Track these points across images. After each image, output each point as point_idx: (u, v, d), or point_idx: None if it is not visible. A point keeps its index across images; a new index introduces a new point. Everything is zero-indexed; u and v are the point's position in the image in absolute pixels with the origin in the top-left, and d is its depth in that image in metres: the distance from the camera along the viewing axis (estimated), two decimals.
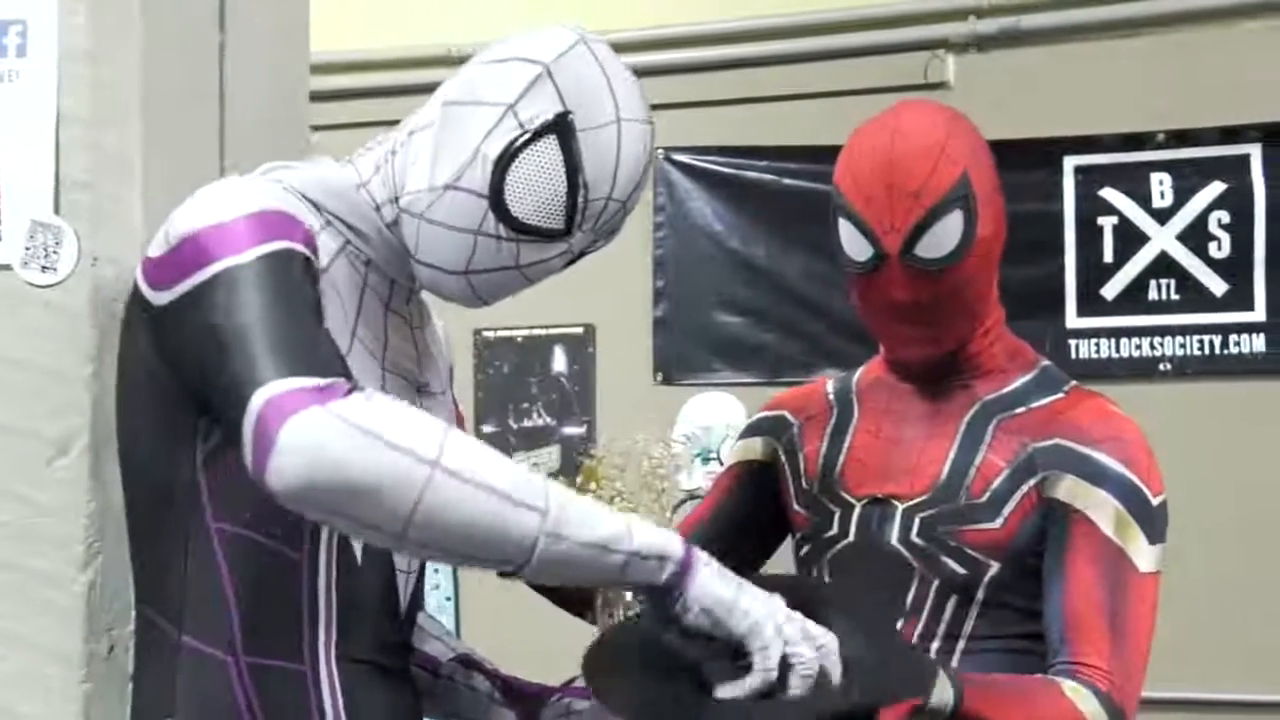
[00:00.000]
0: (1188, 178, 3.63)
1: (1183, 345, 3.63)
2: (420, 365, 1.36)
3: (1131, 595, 1.48)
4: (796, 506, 1.65)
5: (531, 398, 4.19)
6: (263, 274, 1.14)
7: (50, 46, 1.31)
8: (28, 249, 1.31)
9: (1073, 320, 3.71)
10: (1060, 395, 1.56)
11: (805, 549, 1.63)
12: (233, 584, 1.22)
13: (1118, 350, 3.69)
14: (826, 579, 1.59)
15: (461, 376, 4.28)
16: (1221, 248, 3.60)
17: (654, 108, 4.51)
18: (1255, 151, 3.57)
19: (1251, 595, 3.46)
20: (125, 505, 1.27)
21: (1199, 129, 3.62)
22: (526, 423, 4.18)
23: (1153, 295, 3.66)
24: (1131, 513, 1.49)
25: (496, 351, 4.21)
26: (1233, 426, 3.55)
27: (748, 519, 1.71)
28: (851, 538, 1.57)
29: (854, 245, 1.52)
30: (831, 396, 1.68)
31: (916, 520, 1.53)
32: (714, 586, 1.14)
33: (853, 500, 1.58)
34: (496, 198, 1.25)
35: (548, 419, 4.16)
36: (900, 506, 1.55)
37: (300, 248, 1.18)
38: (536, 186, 1.25)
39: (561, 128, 1.25)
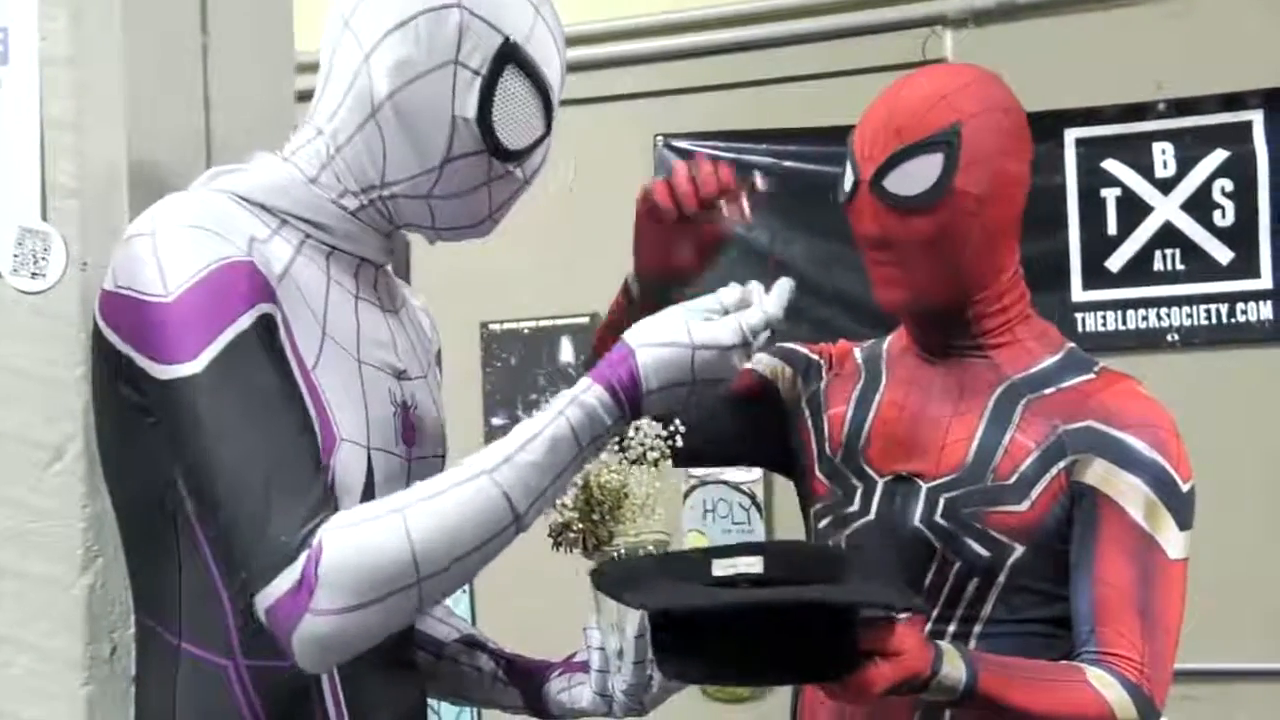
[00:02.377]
0: (1189, 147, 3.61)
1: (1190, 315, 3.62)
2: (397, 350, 1.37)
3: (1161, 583, 1.47)
4: (818, 473, 1.63)
5: (540, 389, 4.19)
6: (220, 387, 1.14)
7: (32, 53, 1.32)
8: (16, 256, 1.32)
9: (1078, 294, 3.70)
10: (1090, 376, 1.55)
11: (824, 522, 1.61)
12: (229, 593, 1.21)
13: (1124, 322, 3.67)
14: None
15: (468, 369, 4.31)
16: (1226, 216, 3.58)
17: (652, 94, 4.51)
18: (1257, 118, 3.55)
19: (1266, 564, 3.45)
20: (115, 511, 1.28)
21: (1199, 97, 3.59)
22: (535, 414, 4.18)
23: (1158, 266, 3.64)
24: (1162, 499, 1.48)
25: (503, 343, 4.21)
26: (1243, 395, 3.53)
27: (743, 424, 1.68)
28: (872, 515, 1.56)
29: (845, 176, 1.56)
30: (860, 360, 1.67)
31: (941, 500, 1.51)
32: (655, 378, 1.21)
33: (876, 476, 1.57)
34: (495, 145, 1.28)
35: None
36: (924, 486, 1.53)
37: (249, 313, 1.17)
38: (519, 114, 1.30)
39: (510, 53, 1.28)
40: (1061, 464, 1.49)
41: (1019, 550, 1.49)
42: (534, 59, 1.30)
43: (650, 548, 1.59)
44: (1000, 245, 1.54)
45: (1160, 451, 1.49)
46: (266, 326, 1.18)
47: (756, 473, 3.94)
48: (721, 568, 1.33)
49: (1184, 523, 1.50)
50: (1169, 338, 3.64)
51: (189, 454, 1.15)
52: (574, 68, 4.52)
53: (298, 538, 1.11)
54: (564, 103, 4.45)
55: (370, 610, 1.12)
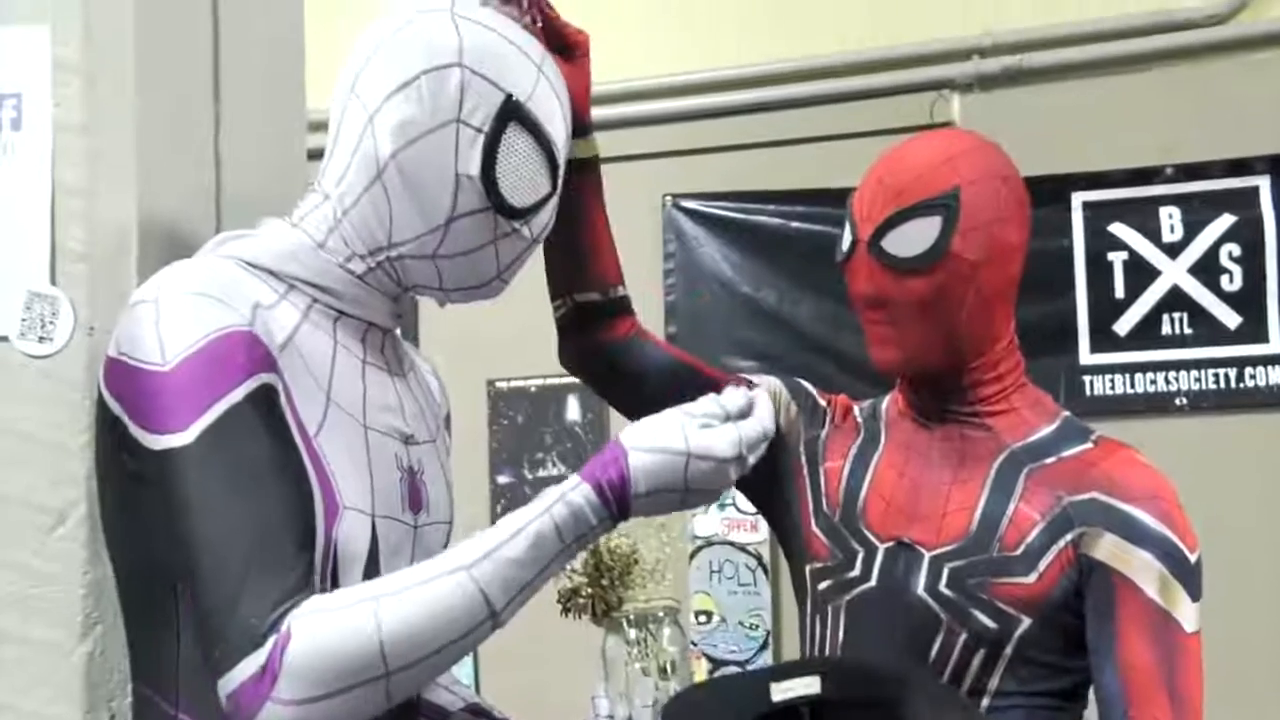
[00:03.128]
0: (1197, 211, 3.62)
1: (1198, 379, 3.61)
2: (404, 415, 1.36)
3: (1182, 658, 1.45)
4: (815, 529, 1.62)
5: (546, 448, 4.18)
6: (207, 460, 1.13)
7: (45, 119, 1.32)
8: (24, 320, 1.32)
9: (1086, 357, 3.70)
10: (1089, 445, 1.53)
11: (823, 585, 1.59)
12: None
13: (1132, 386, 3.66)
14: (842, 620, 1.56)
15: (475, 427, 4.31)
16: (1233, 280, 3.58)
17: (661, 155, 4.54)
18: (1264, 183, 3.56)
19: (1265, 629, 3.42)
20: (115, 578, 1.27)
21: (1207, 162, 3.61)
22: (541, 473, 4.18)
23: (1166, 330, 3.64)
24: (1174, 574, 1.46)
25: (510, 402, 4.21)
26: (1251, 459, 3.52)
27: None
28: (874, 582, 1.54)
29: (843, 236, 1.56)
30: (859, 418, 1.66)
31: (945, 570, 1.50)
32: (645, 483, 1.20)
33: (876, 542, 1.55)
34: (500, 203, 1.28)
35: (563, 469, 4.15)
36: (927, 554, 1.52)
37: (245, 385, 1.16)
38: (524, 171, 1.29)
39: (512, 110, 1.28)
40: (1069, 536, 1.48)
41: (1026, 622, 1.47)
42: (537, 116, 1.30)
43: (660, 613, 1.59)
44: (996, 312, 1.53)
45: (1167, 524, 1.48)
46: (264, 397, 1.17)
47: (763, 534, 3.92)
48: (779, 692, 1.31)
49: (1195, 595, 1.48)
50: (1177, 401, 3.63)
51: (175, 525, 1.14)
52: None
53: (267, 622, 1.09)
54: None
55: (334, 701, 1.09)
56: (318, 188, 1.33)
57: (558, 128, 1.33)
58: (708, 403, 1.27)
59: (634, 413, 1.63)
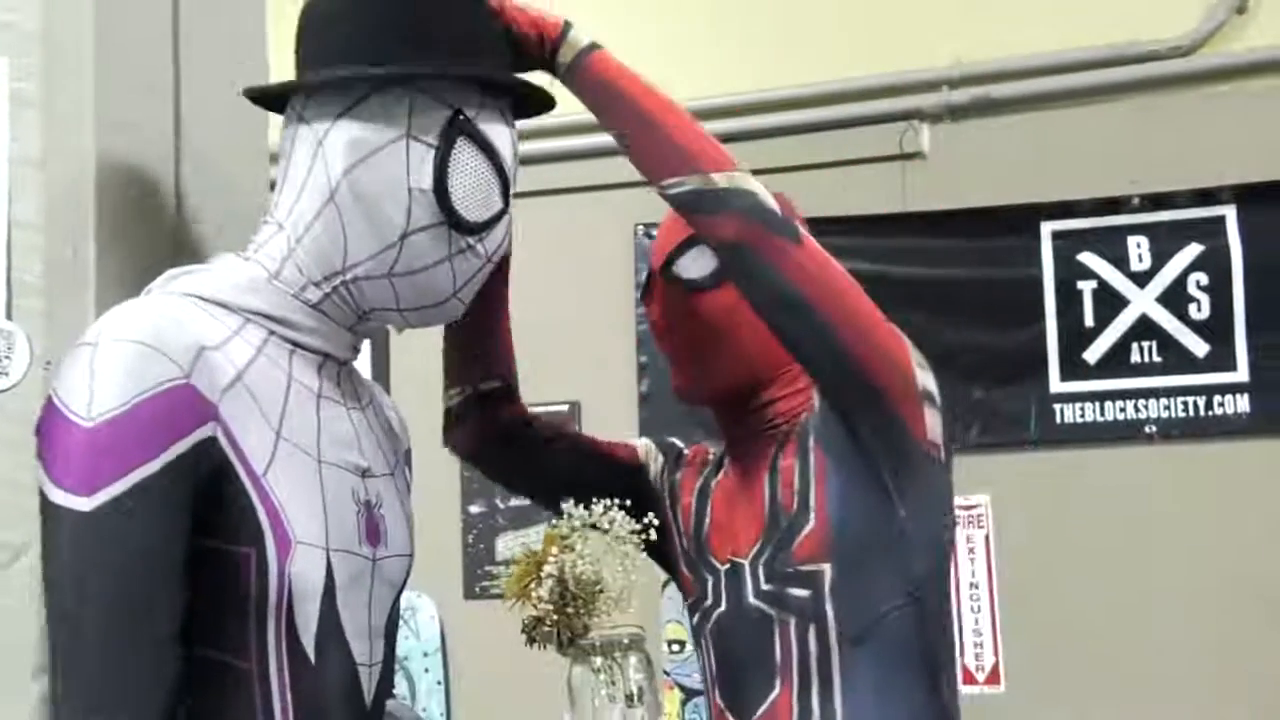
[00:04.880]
0: (1164, 240, 3.65)
1: (1167, 407, 3.63)
2: (361, 448, 1.35)
3: None
4: (683, 568, 1.66)
5: None
6: (96, 538, 1.12)
7: (1, 153, 1.31)
8: None
9: (1056, 385, 3.71)
10: None
11: (695, 617, 1.64)
12: (182, 704, 1.18)
13: (1102, 414, 3.68)
14: (712, 647, 1.59)
15: (447, 457, 4.24)
16: (1201, 309, 3.61)
17: (633, 185, 4.53)
18: (1230, 213, 3.60)
19: (1244, 654, 3.43)
20: None
21: (1173, 192, 3.64)
22: (514, 501, 4.16)
23: (1135, 358, 3.66)
24: None
25: None
26: (1219, 487, 3.53)
27: (600, 481, 1.66)
28: (724, 605, 1.58)
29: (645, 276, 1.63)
30: (713, 455, 1.71)
31: (760, 569, 1.53)
32: None
33: (718, 566, 1.60)
34: (453, 218, 1.28)
35: None
36: (746, 564, 1.55)
37: (164, 455, 1.14)
38: (475, 185, 1.30)
39: (462, 126, 1.29)
40: (810, 442, 1.52)
41: (827, 570, 1.48)
42: (486, 133, 1.31)
43: (625, 640, 1.58)
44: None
45: None
46: (191, 459, 1.16)
47: None
48: None
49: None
50: (1146, 429, 3.65)
51: (47, 577, 1.14)
52: (555, 158, 4.60)
53: None
54: (545, 192, 4.52)
55: None
56: (270, 219, 1.33)
57: (505, 145, 1.34)
58: None
59: (536, 491, 1.68)
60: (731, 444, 1.64)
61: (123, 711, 1.10)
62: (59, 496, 1.13)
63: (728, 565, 1.58)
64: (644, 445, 1.77)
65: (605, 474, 1.72)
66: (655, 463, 1.74)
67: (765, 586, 1.52)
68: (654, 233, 4.13)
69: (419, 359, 3.93)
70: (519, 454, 1.75)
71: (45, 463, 1.15)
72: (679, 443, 1.78)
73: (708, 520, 1.63)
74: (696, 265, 1.55)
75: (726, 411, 1.62)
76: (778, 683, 1.50)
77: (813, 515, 1.50)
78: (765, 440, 1.59)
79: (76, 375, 1.16)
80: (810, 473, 1.51)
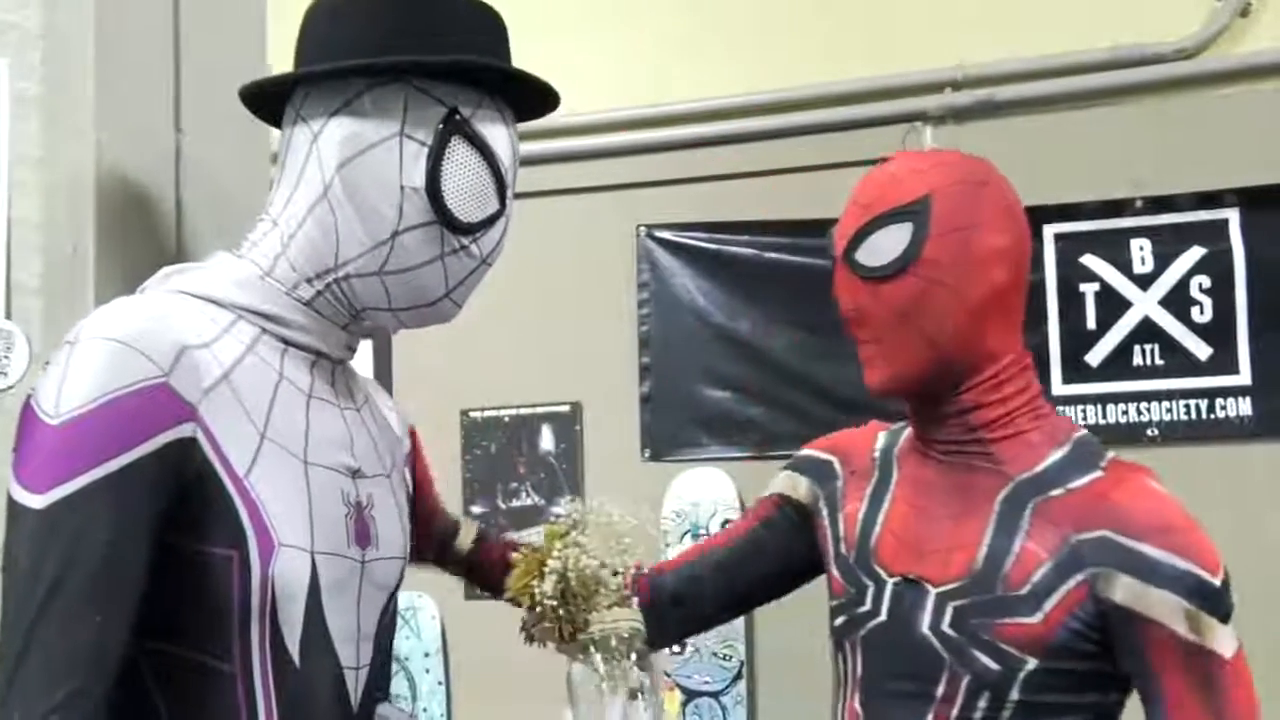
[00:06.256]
0: (1167, 243, 3.64)
1: (1169, 410, 3.62)
2: (352, 449, 1.34)
3: (1227, 686, 1.41)
4: (834, 571, 1.61)
5: (520, 477, 4.17)
6: (50, 533, 1.11)
7: (2, 153, 1.32)
8: None
9: (1058, 387, 3.71)
10: (1099, 474, 1.47)
11: (840, 620, 1.58)
12: (165, 706, 1.19)
13: (1104, 416, 3.67)
14: (860, 655, 1.54)
15: (449, 456, 4.29)
16: (1204, 312, 3.60)
17: (635, 186, 4.53)
18: (1233, 216, 3.59)
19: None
20: None
21: (1177, 195, 3.63)
22: (515, 503, 4.16)
23: (1137, 361, 3.66)
24: (1200, 606, 1.40)
25: (483, 431, 4.20)
26: (1222, 490, 3.52)
27: (776, 552, 1.69)
28: (884, 617, 1.52)
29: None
30: (877, 455, 1.63)
31: (949, 609, 1.46)
32: None
33: (885, 577, 1.53)
34: (446, 217, 1.27)
35: (536, 498, 4.14)
36: (932, 591, 1.48)
37: (128, 454, 1.13)
38: (469, 185, 1.28)
39: (457, 125, 1.28)
40: (1080, 576, 1.42)
41: (1031, 664, 1.43)
42: (482, 133, 1.30)
43: (625, 635, 1.57)
44: (986, 325, 1.48)
45: (1183, 556, 1.41)
46: (159, 459, 1.15)
47: None
48: None
49: (1225, 616, 1.43)
50: (1149, 432, 3.64)
51: (3, 579, 1.13)
52: (558, 158, 4.59)
53: None
54: (547, 193, 4.51)
55: None
56: (266, 216, 1.32)
57: (503, 146, 1.32)
58: None
59: (732, 615, 1.78)
60: (926, 443, 1.55)
61: (39, 701, 1.08)
62: (15, 492, 1.13)
63: (900, 580, 1.52)
64: (782, 481, 1.71)
65: (774, 550, 1.70)
66: (800, 488, 1.69)
67: (948, 630, 1.46)
68: (656, 234, 4.18)
69: (420, 355, 3.95)
70: (693, 607, 1.74)
71: (14, 458, 1.15)
72: (811, 451, 1.71)
73: (879, 528, 1.56)
74: (879, 253, 1.47)
75: (923, 409, 1.54)
76: (931, 715, 1.46)
77: (1042, 618, 1.43)
78: (971, 459, 1.51)
79: (51, 375, 1.16)
80: (1061, 591, 1.43)
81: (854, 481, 1.63)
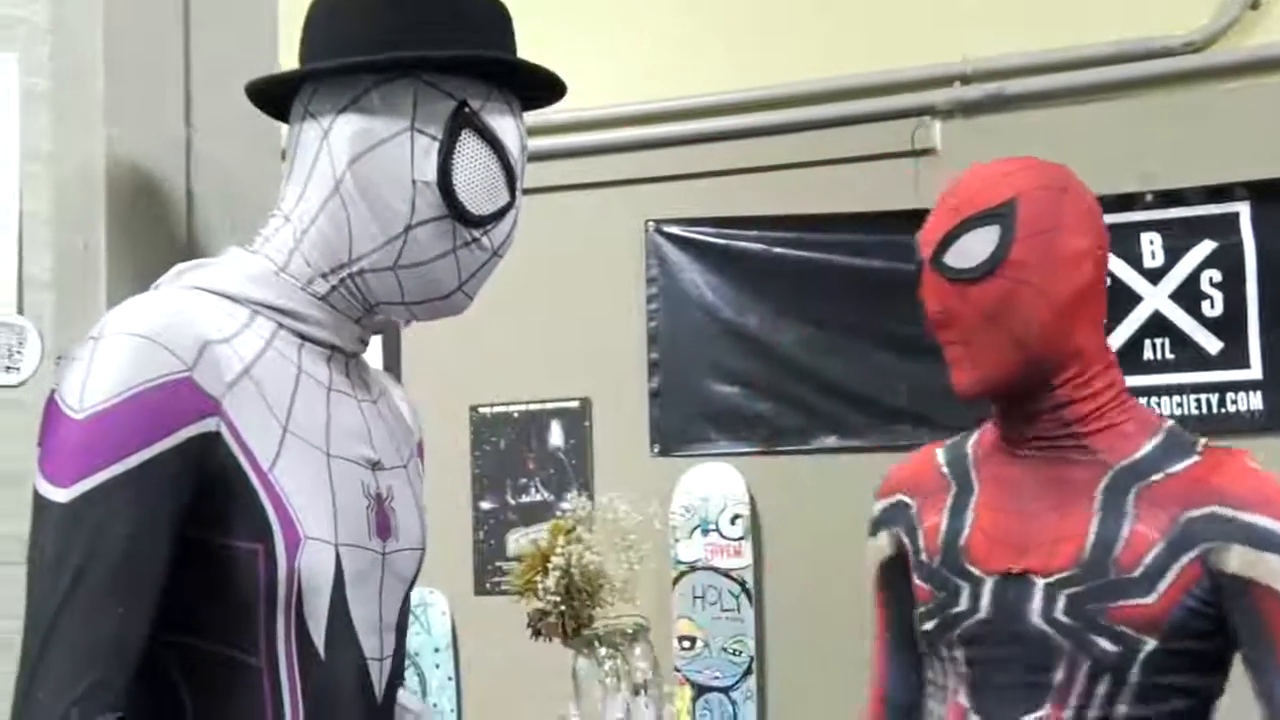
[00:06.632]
0: (1178, 237, 3.63)
1: (1180, 404, 3.62)
2: (371, 441, 1.35)
3: None
4: (917, 580, 1.63)
5: (529, 473, 4.17)
6: (73, 525, 1.12)
7: (12, 149, 1.32)
8: None
9: None
10: (1195, 459, 1.52)
11: (931, 624, 1.60)
12: (191, 700, 1.19)
13: None
14: (960, 655, 1.56)
15: (458, 452, 4.30)
16: (1214, 306, 3.59)
17: (643, 181, 4.53)
18: (1244, 209, 3.58)
19: None
20: None
21: (1187, 188, 3.62)
22: (524, 498, 4.16)
23: (1148, 355, 3.65)
24: None
25: (493, 427, 4.20)
26: None
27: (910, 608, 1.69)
28: (984, 614, 1.54)
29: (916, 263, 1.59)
30: (945, 470, 1.66)
31: (1062, 597, 1.49)
32: None
33: (982, 575, 1.55)
34: (458, 210, 1.27)
35: (546, 494, 4.14)
36: (1040, 582, 1.50)
37: (151, 448, 1.14)
38: (479, 178, 1.29)
39: (466, 118, 1.28)
40: (1193, 553, 1.46)
41: (1150, 645, 1.46)
42: (491, 125, 1.30)
43: (630, 630, 1.58)
44: (1073, 324, 1.53)
45: None
46: (182, 454, 1.15)
47: (747, 559, 3.91)
48: None
49: None
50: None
51: (28, 569, 1.13)
52: (566, 154, 4.59)
53: (56, 712, 1.08)
54: (556, 188, 4.52)
55: None
56: (278, 212, 1.33)
57: (512, 139, 1.32)
58: None
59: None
60: (1014, 442, 1.58)
61: (67, 689, 1.09)
62: (42, 488, 1.14)
63: (999, 575, 1.54)
64: (872, 553, 1.72)
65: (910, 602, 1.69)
66: (886, 545, 1.70)
67: (1062, 618, 1.49)
68: (665, 229, 4.18)
69: (430, 351, 3.96)
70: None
71: (40, 457, 1.16)
72: (889, 501, 1.72)
73: (966, 531, 1.58)
74: (967, 256, 1.51)
75: (1012, 409, 1.56)
76: (1048, 705, 1.48)
77: (1156, 598, 1.47)
78: (1064, 451, 1.54)
79: (75, 369, 1.16)
80: (1175, 569, 1.47)
81: (929, 501, 1.65)
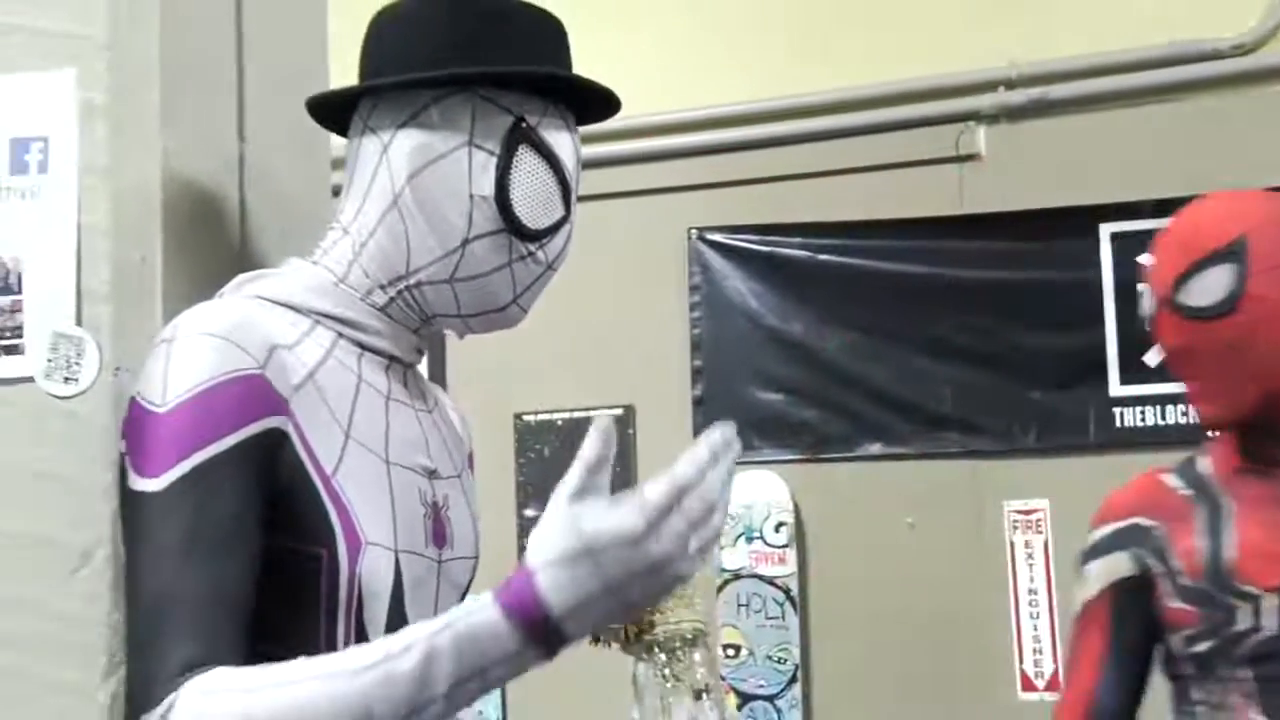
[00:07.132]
0: None
1: None
2: (429, 450, 1.37)
3: None
4: (1177, 603, 1.65)
5: None
6: (169, 512, 1.15)
7: (71, 162, 1.33)
8: (50, 360, 1.33)
9: (1116, 388, 3.67)
10: None
11: (1204, 646, 1.62)
12: None
13: (1163, 417, 3.63)
14: (1250, 673, 1.58)
15: (502, 460, 4.31)
16: None
17: (686, 188, 4.54)
18: None
19: None
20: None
21: None
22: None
23: None
24: None
25: (537, 435, 4.21)
26: None
27: (1145, 641, 1.71)
28: (1273, 630, 1.57)
29: (1144, 303, 1.66)
30: (1187, 492, 1.69)
31: None
32: (562, 601, 1.05)
33: (1259, 592, 1.58)
34: (514, 225, 1.29)
35: None
36: None
37: (237, 434, 1.17)
38: (536, 192, 1.30)
39: (524, 134, 1.30)
40: None
41: None
42: (548, 140, 1.32)
43: (689, 634, 1.58)
44: None
45: None
46: (257, 445, 1.18)
47: (791, 567, 3.90)
48: None
49: None
50: (1209, 433, 3.60)
51: (129, 563, 1.18)
52: (609, 162, 4.61)
53: (166, 687, 1.10)
54: (599, 196, 4.52)
55: None
56: (336, 224, 1.35)
57: (568, 154, 1.34)
58: (601, 474, 1.10)
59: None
60: (1268, 462, 1.64)
61: (175, 659, 1.11)
62: (136, 484, 1.17)
63: (1278, 592, 1.57)
64: (1129, 563, 1.74)
65: (1143, 634, 1.73)
66: (1122, 565, 1.73)
67: None
68: (708, 236, 4.18)
69: (474, 359, 3.97)
70: None
71: (130, 457, 1.19)
72: (1123, 523, 1.74)
73: (1230, 552, 1.61)
74: (1204, 294, 1.58)
75: (1261, 432, 1.63)
76: None
77: None
78: None
79: (153, 369, 1.20)
80: None
81: (1177, 525, 1.68)
